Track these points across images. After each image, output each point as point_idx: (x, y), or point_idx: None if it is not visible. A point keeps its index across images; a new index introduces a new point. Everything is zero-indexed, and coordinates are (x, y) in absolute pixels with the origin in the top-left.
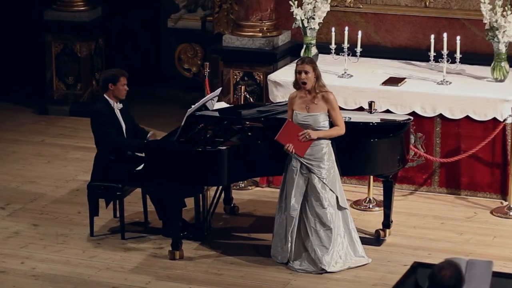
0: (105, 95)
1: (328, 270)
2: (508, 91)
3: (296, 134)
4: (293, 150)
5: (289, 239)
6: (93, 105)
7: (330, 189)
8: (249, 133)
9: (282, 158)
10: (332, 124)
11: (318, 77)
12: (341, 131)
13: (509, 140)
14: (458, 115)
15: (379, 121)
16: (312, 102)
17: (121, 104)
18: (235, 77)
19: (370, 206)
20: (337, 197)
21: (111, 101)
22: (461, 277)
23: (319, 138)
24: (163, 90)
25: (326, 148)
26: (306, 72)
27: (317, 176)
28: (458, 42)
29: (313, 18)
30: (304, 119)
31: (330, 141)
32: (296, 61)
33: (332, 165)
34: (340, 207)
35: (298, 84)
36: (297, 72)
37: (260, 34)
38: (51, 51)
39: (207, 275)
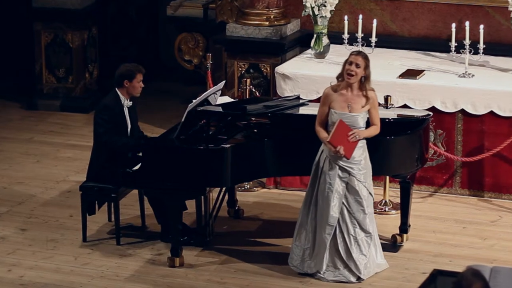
0: (117, 90)
1: (365, 279)
2: None
3: (346, 135)
4: (343, 153)
5: (324, 249)
6: (103, 98)
7: (370, 193)
8: (255, 130)
9: (290, 157)
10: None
11: (367, 77)
12: (378, 130)
13: None
14: (481, 111)
15: (396, 117)
16: (355, 101)
17: (131, 102)
18: (240, 69)
19: (386, 209)
20: (372, 199)
21: (122, 98)
22: None
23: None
24: (162, 83)
25: (365, 150)
26: (357, 65)
27: (358, 180)
28: (481, 31)
29: (324, 5)
30: (346, 119)
31: (365, 142)
32: (351, 52)
33: (369, 167)
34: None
35: (342, 76)
36: (348, 62)
37: (267, 23)
38: (41, 41)
39: (209, 283)
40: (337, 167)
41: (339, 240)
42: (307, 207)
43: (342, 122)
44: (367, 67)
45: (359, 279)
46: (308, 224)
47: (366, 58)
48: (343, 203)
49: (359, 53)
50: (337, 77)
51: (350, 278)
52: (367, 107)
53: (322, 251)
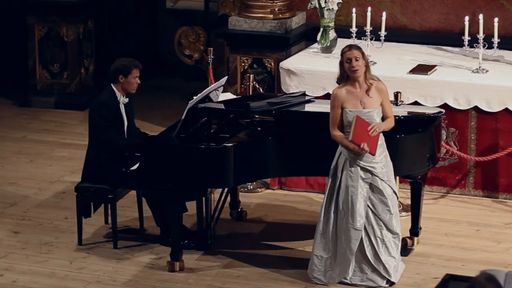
0: (112, 86)
1: (395, 282)
2: None
3: (366, 130)
4: (368, 149)
5: (351, 256)
6: (98, 94)
7: (394, 192)
8: (259, 128)
9: (295, 157)
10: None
11: (367, 65)
12: (393, 122)
13: None
14: (495, 108)
15: (406, 114)
16: (366, 96)
17: (127, 99)
18: (243, 64)
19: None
20: (397, 198)
21: (118, 94)
22: None
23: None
24: (161, 79)
25: (384, 148)
26: (356, 59)
27: (381, 179)
28: (495, 24)
29: None
30: (362, 116)
31: (384, 139)
32: (341, 50)
33: (390, 165)
34: None
35: (345, 77)
36: (346, 61)
37: (271, 16)
38: (34, 35)
39: None
40: (359, 168)
41: (366, 244)
42: (327, 214)
43: (359, 117)
44: (364, 55)
45: (388, 282)
46: (329, 232)
47: (358, 48)
48: (367, 205)
49: (350, 47)
50: (339, 81)
51: (379, 282)
52: (380, 100)
53: (347, 259)
